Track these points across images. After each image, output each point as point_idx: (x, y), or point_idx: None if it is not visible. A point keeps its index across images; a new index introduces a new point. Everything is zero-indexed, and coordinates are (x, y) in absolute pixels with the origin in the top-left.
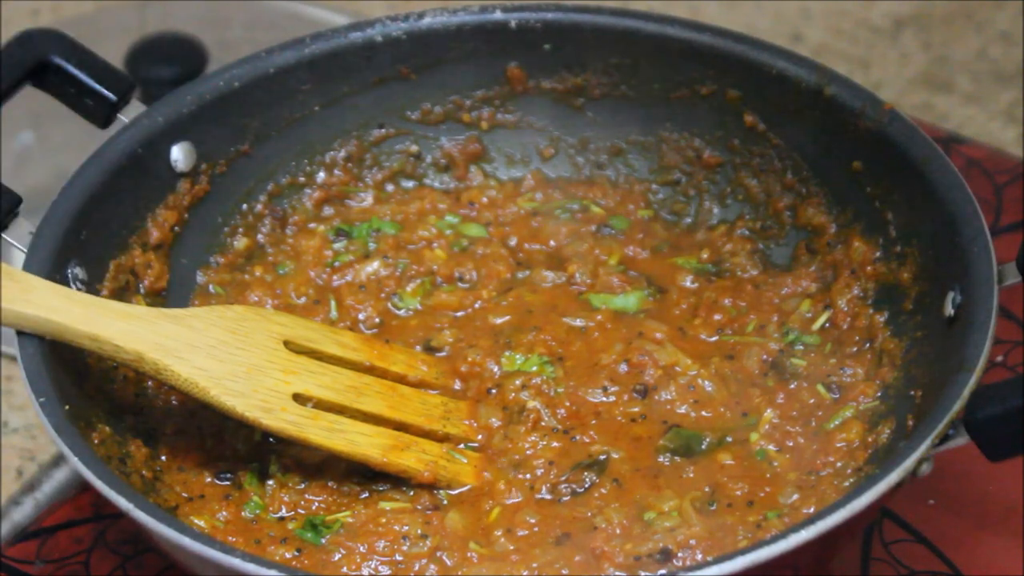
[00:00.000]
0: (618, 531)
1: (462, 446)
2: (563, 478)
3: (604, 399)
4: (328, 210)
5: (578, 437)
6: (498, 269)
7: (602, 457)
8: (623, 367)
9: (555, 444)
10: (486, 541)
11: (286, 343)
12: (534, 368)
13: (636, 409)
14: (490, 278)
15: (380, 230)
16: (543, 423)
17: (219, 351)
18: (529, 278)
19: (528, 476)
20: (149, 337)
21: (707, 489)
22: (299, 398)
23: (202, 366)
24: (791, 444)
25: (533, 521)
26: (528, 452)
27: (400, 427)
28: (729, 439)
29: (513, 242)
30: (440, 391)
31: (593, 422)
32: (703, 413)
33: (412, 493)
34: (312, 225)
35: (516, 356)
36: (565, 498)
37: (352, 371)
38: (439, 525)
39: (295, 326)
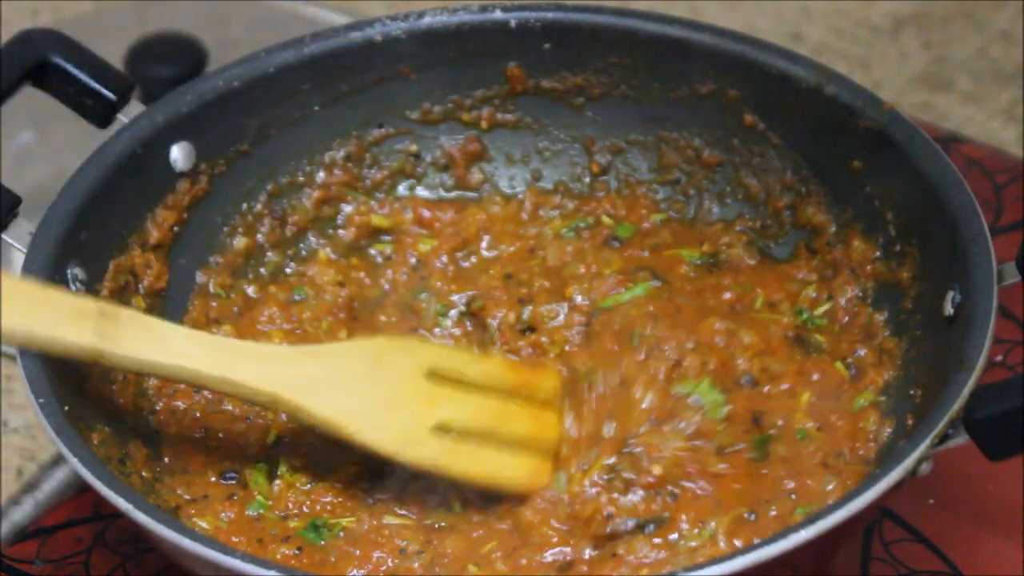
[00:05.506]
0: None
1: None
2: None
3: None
4: (327, 210)
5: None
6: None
7: (666, 513)
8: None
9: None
10: (485, 563)
11: (430, 372)
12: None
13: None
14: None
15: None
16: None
17: (357, 386)
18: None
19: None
20: (285, 378)
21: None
22: (440, 428)
23: (338, 404)
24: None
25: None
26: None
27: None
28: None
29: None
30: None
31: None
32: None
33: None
34: (324, 245)
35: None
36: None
37: (496, 398)
38: (439, 544)
39: (439, 355)
